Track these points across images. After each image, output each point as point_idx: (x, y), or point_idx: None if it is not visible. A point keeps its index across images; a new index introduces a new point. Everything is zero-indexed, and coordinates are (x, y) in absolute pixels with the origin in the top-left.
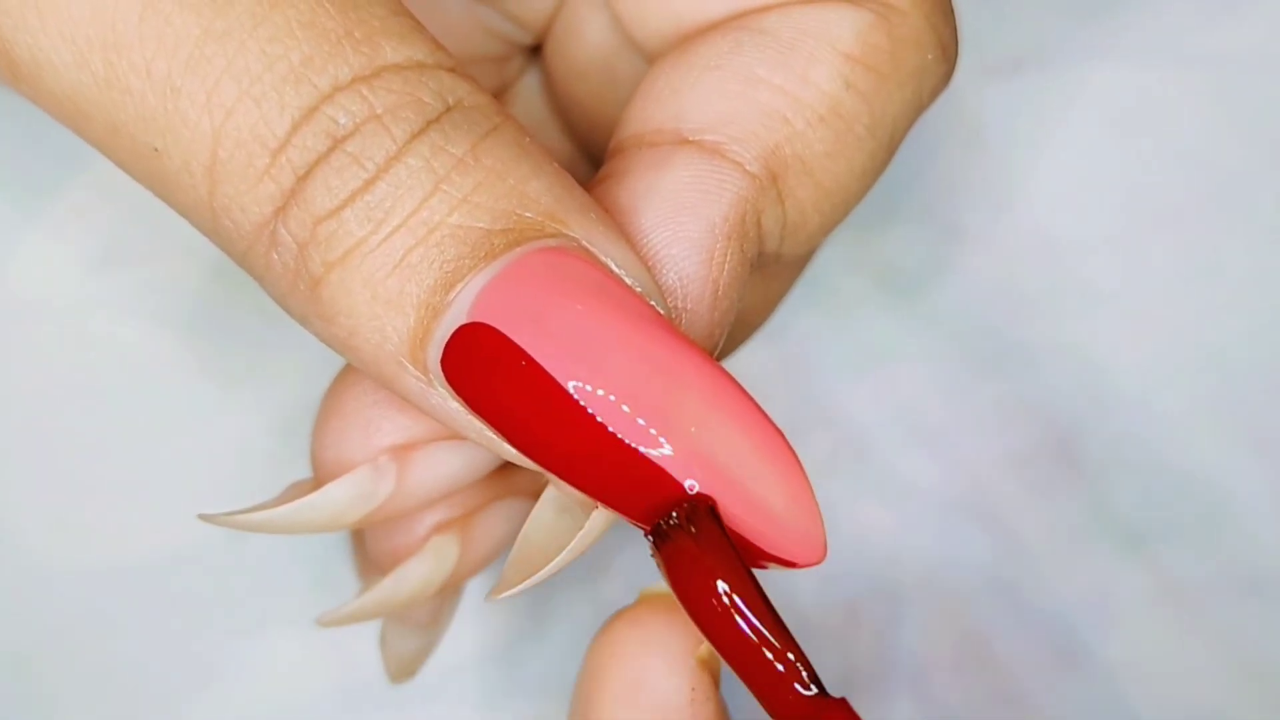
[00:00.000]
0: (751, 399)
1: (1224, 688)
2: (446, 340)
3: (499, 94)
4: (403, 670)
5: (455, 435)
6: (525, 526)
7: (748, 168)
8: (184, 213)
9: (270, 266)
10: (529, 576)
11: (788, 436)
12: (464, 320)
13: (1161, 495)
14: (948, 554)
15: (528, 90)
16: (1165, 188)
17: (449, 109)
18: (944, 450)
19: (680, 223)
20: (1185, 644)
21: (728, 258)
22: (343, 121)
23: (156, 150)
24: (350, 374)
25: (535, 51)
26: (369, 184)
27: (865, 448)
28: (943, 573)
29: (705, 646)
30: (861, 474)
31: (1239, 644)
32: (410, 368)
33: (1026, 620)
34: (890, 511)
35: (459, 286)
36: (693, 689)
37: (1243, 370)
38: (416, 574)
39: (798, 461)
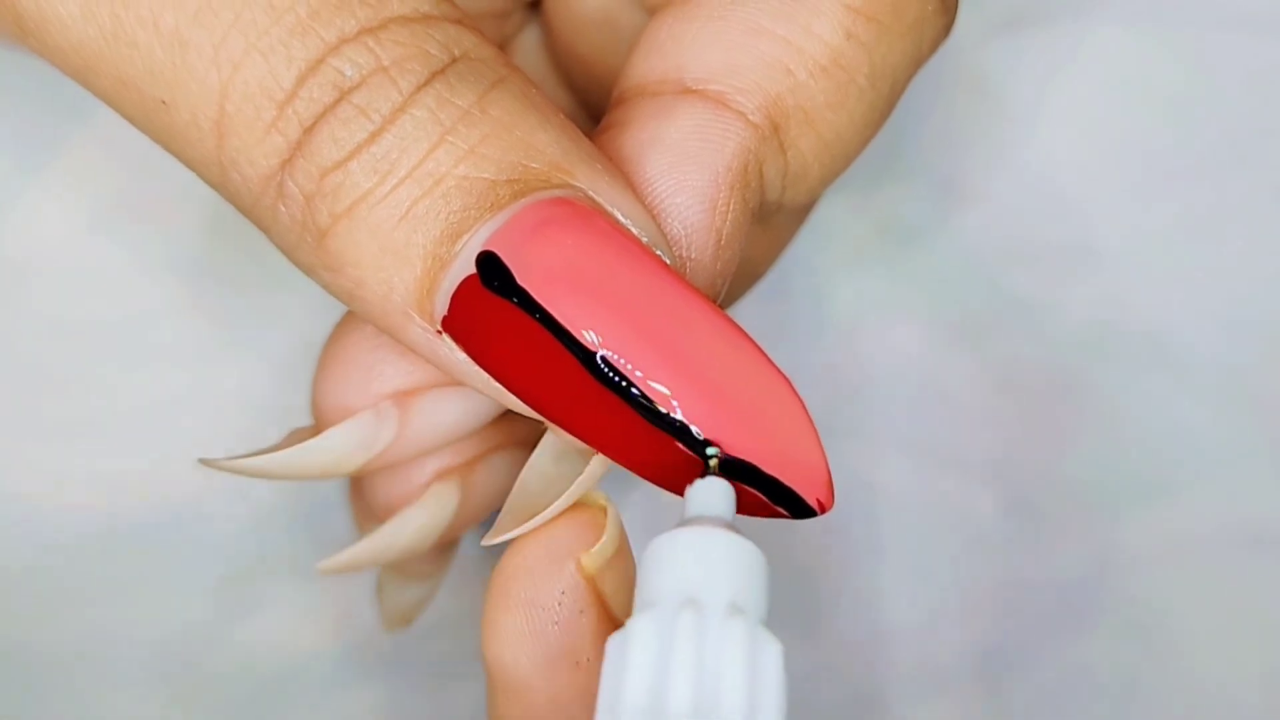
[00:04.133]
0: (758, 346)
1: (1227, 643)
2: (453, 291)
3: (500, 48)
4: (398, 620)
5: (457, 381)
6: (523, 472)
7: (750, 118)
8: (192, 166)
9: (278, 218)
10: (524, 522)
11: (795, 388)
12: (470, 271)
13: (1163, 452)
14: (948, 509)
15: (527, 45)
16: (1165, 145)
17: (455, 60)
18: (944, 405)
19: (684, 172)
20: (1188, 599)
21: (731, 207)
22: (349, 73)
23: (164, 104)
24: (351, 320)
25: (535, 6)
26: (375, 135)
27: (865, 402)
28: (942, 528)
29: (591, 557)
30: (860, 429)
31: (1242, 599)
32: (416, 318)
33: (1028, 577)
34: (889, 466)
35: (465, 237)
36: (562, 592)
37: (1244, 326)
38: (416, 521)
39: (803, 406)
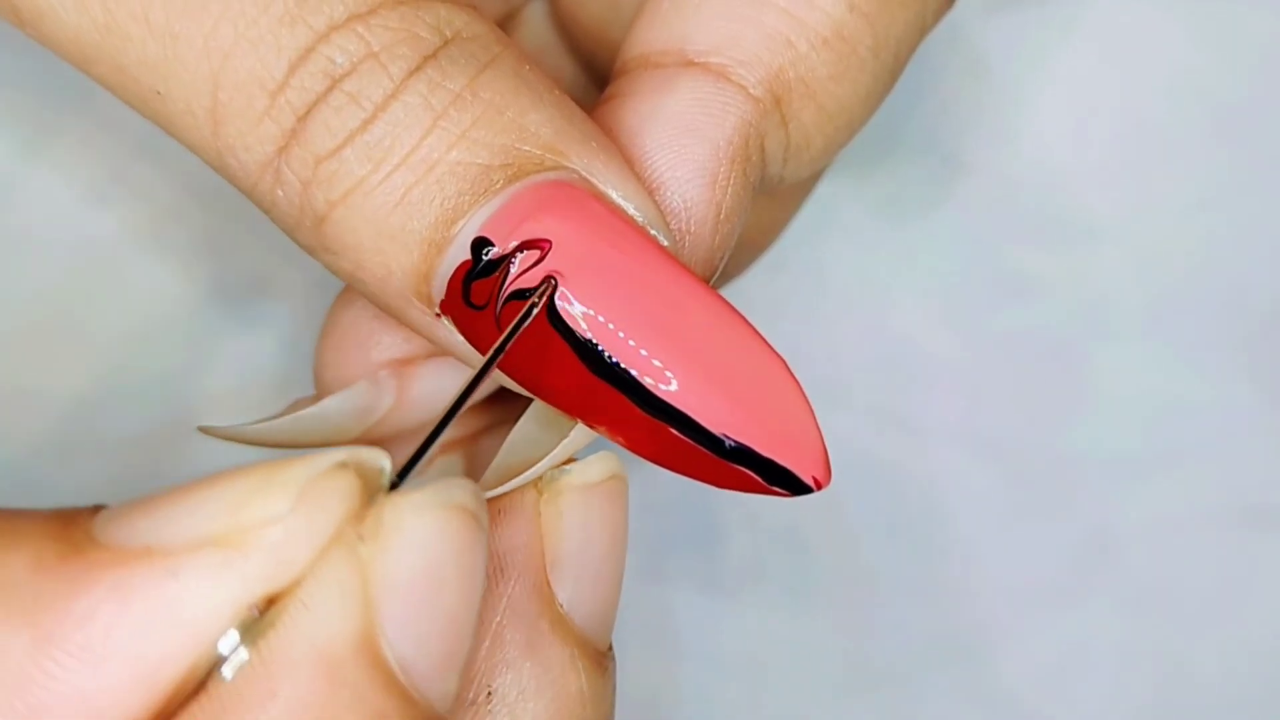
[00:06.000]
0: (751, 326)
1: (1223, 618)
2: (450, 275)
3: (507, 19)
4: None
5: None
6: (511, 434)
7: (751, 91)
8: (191, 150)
9: (276, 203)
10: (507, 481)
11: (789, 367)
12: (466, 256)
13: (1162, 427)
14: (948, 484)
15: (535, 15)
16: (1164, 118)
17: (446, 42)
18: (943, 380)
19: (685, 145)
20: (1185, 574)
21: (731, 181)
22: (340, 61)
23: (159, 93)
24: (351, 292)
25: None
26: (367, 123)
27: (864, 378)
28: (942, 503)
29: None
30: (859, 404)
31: (1238, 574)
32: (415, 301)
33: (1026, 551)
34: (888, 441)
35: (460, 222)
36: None
37: (1241, 300)
38: None
39: (798, 385)
